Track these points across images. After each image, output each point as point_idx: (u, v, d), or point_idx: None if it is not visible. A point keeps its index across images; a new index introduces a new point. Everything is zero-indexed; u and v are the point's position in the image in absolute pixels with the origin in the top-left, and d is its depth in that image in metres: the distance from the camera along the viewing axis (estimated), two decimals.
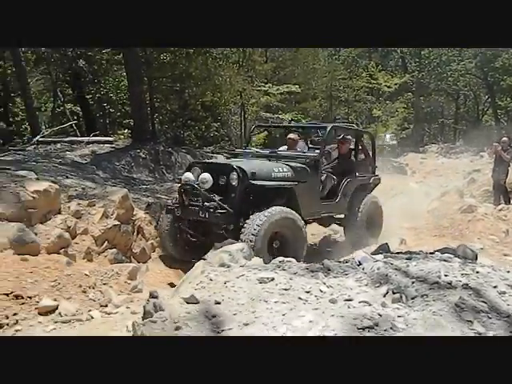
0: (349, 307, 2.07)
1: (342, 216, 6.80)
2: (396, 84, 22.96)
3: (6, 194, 5.34)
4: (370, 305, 2.10)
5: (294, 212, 5.38)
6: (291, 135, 7.04)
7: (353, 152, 7.06)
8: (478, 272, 2.41)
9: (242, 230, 5.04)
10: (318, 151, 6.55)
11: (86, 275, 4.80)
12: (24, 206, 5.32)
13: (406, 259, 2.69)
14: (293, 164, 5.87)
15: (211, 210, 5.15)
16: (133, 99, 11.19)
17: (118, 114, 15.76)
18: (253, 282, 2.34)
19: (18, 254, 4.85)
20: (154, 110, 12.60)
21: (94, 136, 11.00)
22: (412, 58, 28.26)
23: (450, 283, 2.24)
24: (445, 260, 2.71)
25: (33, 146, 9.48)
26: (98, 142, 10.54)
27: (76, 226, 5.61)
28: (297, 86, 17.16)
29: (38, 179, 5.99)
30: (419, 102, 26.90)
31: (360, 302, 2.14)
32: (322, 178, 6.35)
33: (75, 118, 15.53)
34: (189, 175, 5.50)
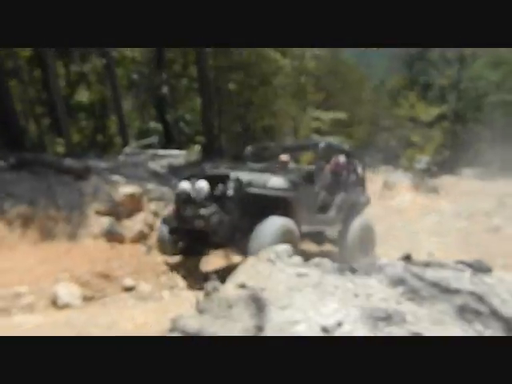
0: (368, 301, 2.19)
1: (335, 235, 5.87)
2: (434, 114, 22.27)
3: (102, 194, 5.82)
4: (386, 301, 2.21)
5: (293, 223, 4.65)
6: (282, 156, 6.11)
7: (344, 171, 6.19)
8: (484, 282, 2.44)
9: (250, 242, 4.28)
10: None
11: (160, 263, 5.13)
12: (115, 204, 5.78)
13: (424, 265, 2.75)
14: (288, 176, 5.20)
15: (207, 218, 4.36)
16: (205, 121, 11.73)
17: (192, 132, 16.42)
18: (291, 276, 2.51)
19: (108, 242, 5.30)
20: (221, 131, 13.09)
21: (171, 150, 11.58)
22: (451, 90, 27.26)
23: (457, 289, 2.30)
24: (458, 269, 2.74)
25: (122, 156, 10.13)
26: (175, 156, 11.05)
27: (154, 223, 6.01)
28: (343, 113, 17.11)
29: (126, 183, 6.45)
30: (456, 129, 25.86)
31: (379, 299, 2.25)
32: (316, 190, 5.50)
33: (156, 135, 16.33)
34: (184, 184, 4.75)
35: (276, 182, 4.89)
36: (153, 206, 6.21)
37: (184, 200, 4.69)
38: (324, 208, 5.69)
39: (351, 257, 5.58)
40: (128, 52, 15.28)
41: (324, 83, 19.61)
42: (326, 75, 20.06)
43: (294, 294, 2.23)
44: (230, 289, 2.38)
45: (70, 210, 5.26)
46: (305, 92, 17.14)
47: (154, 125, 16.76)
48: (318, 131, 17.33)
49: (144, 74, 16.10)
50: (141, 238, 5.65)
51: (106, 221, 5.46)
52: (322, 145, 5.62)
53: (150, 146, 11.89)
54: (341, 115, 16.88)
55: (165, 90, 14.64)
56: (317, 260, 3.16)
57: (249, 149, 6.40)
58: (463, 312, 2.08)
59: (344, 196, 5.92)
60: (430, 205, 10.53)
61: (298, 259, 3.25)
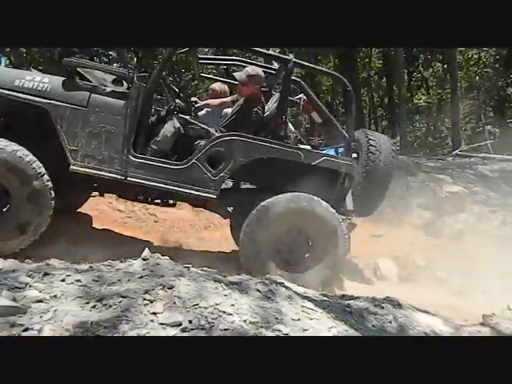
0: None
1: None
2: None
3: (426, 190, 6.05)
4: None
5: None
6: (216, 85, 4.21)
7: (260, 105, 3.36)
8: None
9: None
10: None
11: None
12: (437, 201, 5.90)
13: None
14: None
15: None
16: None
17: None
18: None
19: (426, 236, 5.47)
20: None
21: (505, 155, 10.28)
22: None
23: None
24: None
25: (451, 158, 9.88)
26: (508, 160, 9.79)
27: (475, 226, 5.72)
28: None
29: (452, 183, 6.41)
30: None
31: None
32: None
33: (492, 137, 14.75)
34: None
35: (33, 80, 2.97)
36: (476, 208, 5.91)
37: None
38: (179, 153, 3.41)
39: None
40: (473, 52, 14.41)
41: None
42: None
43: None
44: None
45: (397, 199, 5.77)
46: None
47: (490, 129, 15.19)
48: None
49: (487, 75, 14.77)
50: (458, 236, 5.53)
51: (426, 215, 5.68)
52: None
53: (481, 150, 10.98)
54: None
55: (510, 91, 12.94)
56: None
57: None
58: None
59: (233, 141, 3.33)
60: None
61: None
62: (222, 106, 3.93)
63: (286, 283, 2.44)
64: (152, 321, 1.68)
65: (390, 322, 2.30)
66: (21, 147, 2.70)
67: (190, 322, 1.72)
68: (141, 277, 2.04)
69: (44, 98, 2.85)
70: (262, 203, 3.07)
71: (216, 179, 3.03)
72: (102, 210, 4.64)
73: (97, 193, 3.65)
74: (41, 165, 2.75)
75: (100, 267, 2.18)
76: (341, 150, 3.73)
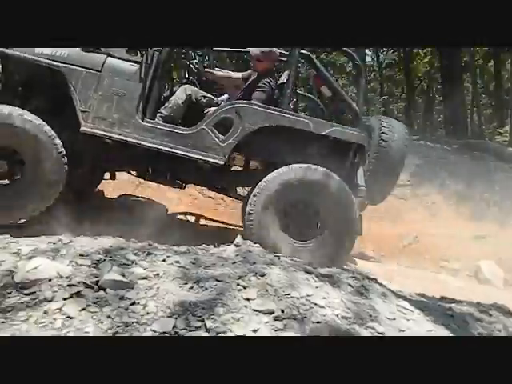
0: None
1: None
2: None
3: None
4: None
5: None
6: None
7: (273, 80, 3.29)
8: None
9: None
10: None
11: None
12: None
13: None
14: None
15: None
16: None
17: None
18: None
19: None
20: None
21: None
22: None
23: None
24: None
25: None
26: None
27: None
28: None
29: None
30: None
31: None
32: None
33: None
34: None
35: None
36: None
37: None
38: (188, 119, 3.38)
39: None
40: None
41: None
42: None
43: None
44: None
45: (504, 195, 5.19)
46: None
47: None
48: None
49: None
50: None
51: None
52: None
53: None
54: None
55: None
56: None
57: None
58: None
59: (244, 107, 3.25)
60: None
61: None
62: (230, 80, 3.86)
63: (380, 280, 2.32)
64: (245, 306, 1.70)
65: (500, 331, 2.07)
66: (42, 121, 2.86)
67: (283, 311, 1.70)
68: (234, 262, 2.07)
69: (61, 63, 2.95)
70: (269, 174, 2.99)
71: (224, 145, 3.00)
72: (195, 195, 4.89)
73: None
74: (59, 140, 2.90)
75: (196, 250, 2.26)
76: None
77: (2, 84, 3.14)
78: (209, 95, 3.36)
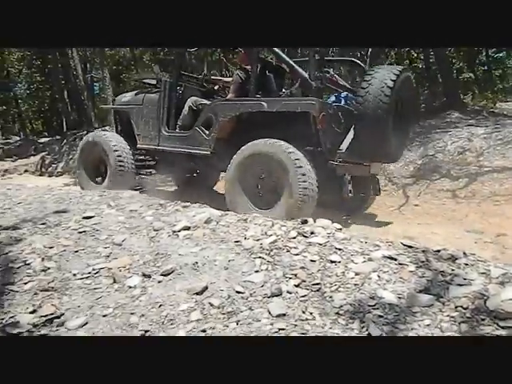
0: None
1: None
2: None
3: None
4: None
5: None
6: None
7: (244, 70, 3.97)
8: None
9: None
10: None
11: None
12: None
13: None
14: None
15: None
16: None
17: None
18: None
19: None
20: None
21: None
22: None
23: None
24: None
25: None
26: None
27: None
28: None
29: None
30: None
31: None
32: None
33: None
34: None
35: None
36: None
37: None
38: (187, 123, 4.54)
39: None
40: None
41: None
42: None
43: None
44: None
45: None
46: None
47: None
48: None
49: None
50: None
51: None
52: None
53: None
54: None
55: None
56: None
57: None
58: None
59: (222, 104, 4.19)
60: None
61: None
62: (222, 83, 4.70)
63: None
64: None
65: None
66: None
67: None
68: None
69: (126, 106, 4.56)
70: (238, 151, 3.46)
71: (209, 139, 3.76)
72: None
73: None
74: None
75: None
76: (343, 94, 3.85)
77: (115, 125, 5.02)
78: (205, 101, 4.13)
